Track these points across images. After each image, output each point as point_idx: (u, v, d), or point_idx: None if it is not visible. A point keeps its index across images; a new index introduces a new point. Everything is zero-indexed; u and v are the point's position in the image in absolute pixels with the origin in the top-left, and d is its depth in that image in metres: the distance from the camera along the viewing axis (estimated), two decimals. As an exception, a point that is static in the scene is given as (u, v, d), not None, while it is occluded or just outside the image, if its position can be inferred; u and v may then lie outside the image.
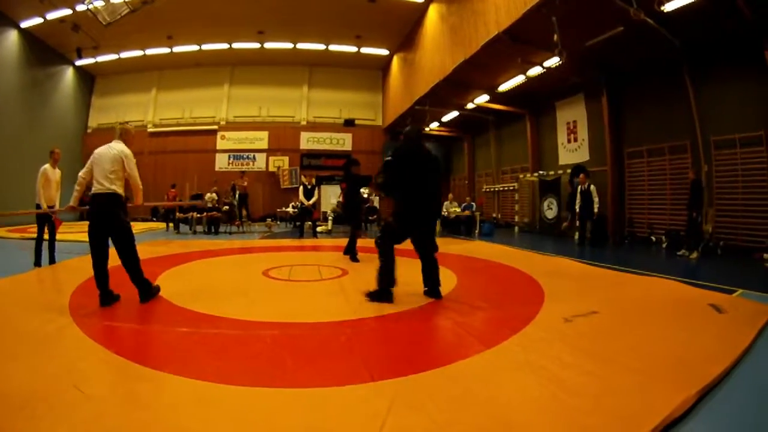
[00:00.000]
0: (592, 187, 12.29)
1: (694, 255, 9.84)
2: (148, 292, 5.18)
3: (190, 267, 8.05)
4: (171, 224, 17.15)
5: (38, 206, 7.73)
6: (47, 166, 7.92)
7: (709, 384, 2.72)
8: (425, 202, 5.33)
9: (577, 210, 12.63)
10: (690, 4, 8.96)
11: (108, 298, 4.96)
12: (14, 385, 2.72)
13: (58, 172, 8.14)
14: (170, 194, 20.58)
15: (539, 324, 4.18)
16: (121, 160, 5.13)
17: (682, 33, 10.73)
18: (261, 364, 3.26)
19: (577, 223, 13.12)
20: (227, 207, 16.91)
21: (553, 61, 12.57)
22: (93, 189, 5.08)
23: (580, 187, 12.53)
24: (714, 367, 2.94)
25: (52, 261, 8.06)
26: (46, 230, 7.98)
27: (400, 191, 5.38)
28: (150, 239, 13.34)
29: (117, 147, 5.21)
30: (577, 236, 13.99)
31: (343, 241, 9.58)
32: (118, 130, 5.47)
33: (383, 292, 5.21)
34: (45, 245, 8.01)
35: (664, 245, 11.73)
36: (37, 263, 7.75)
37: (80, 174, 5.21)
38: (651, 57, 12.53)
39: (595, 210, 12.17)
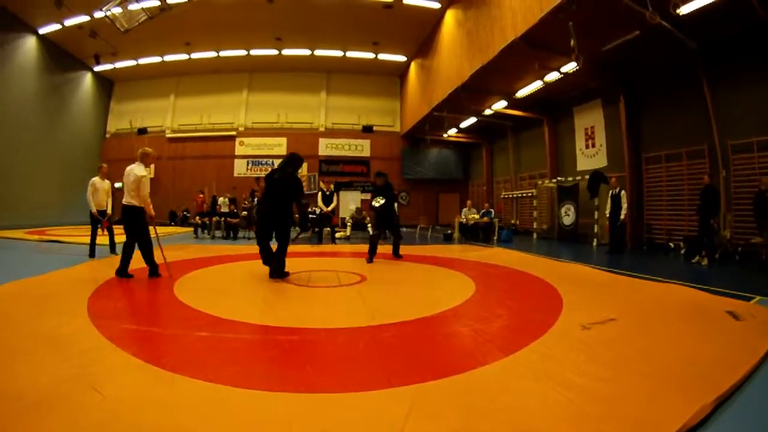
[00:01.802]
0: (622, 192, 12.16)
1: (705, 261, 9.74)
2: (155, 271, 7.00)
3: (209, 271, 8.11)
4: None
5: (102, 213, 9.79)
6: (96, 178, 9.74)
7: (726, 392, 2.70)
8: (267, 210, 7.42)
9: (607, 214, 12.49)
10: (705, 6, 8.94)
11: (126, 273, 6.76)
12: (29, 384, 2.75)
13: (107, 182, 9.98)
14: (198, 199, 20.80)
15: (557, 331, 4.16)
16: (137, 182, 6.84)
17: (698, 36, 10.72)
18: (279, 368, 3.27)
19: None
20: (245, 212, 17.04)
21: (571, 66, 12.58)
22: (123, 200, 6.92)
23: (610, 191, 12.43)
24: (731, 376, 2.92)
25: (113, 251, 10.02)
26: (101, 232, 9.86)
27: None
28: (168, 243, 13.44)
29: (136, 170, 6.91)
30: (595, 243, 13.92)
31: (362, 247, 10.27)
32: (139, 155, 7.12)
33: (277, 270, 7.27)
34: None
35: (682, 252, 11.62)
36: (92, 255, 9.51)
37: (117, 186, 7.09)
38: (668, 60, 12.51)
39: (622, 216, 11.99)
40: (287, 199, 7.47)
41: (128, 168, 6.97)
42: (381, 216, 9.99)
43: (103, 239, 9.83)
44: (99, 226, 9.66)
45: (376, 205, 9.89)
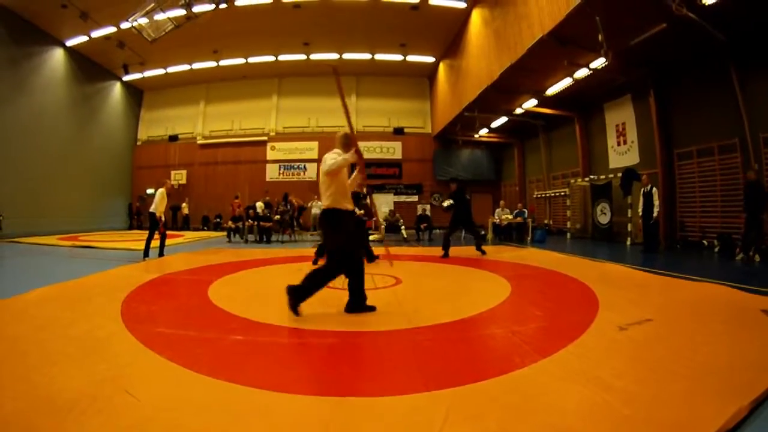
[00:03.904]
0: (654, 189, 11.98)
1: (739, 256, 9.66)
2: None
3: (244, 275, 8.21)
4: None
5: (159, 217, 10.61)
6: (163, 189, 10.74)
7: (762, 395, 2.67)
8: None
9: (640, 213, 12.30)
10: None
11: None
12: (63, 387, 2.80)
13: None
14: (234, 204, 21.15)
15: (594, 332, 4.14)
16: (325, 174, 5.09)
17: (726, 27, 10.53)
18: (316, 372, 3.30)
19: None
20: (279, 216, 17.26)
21: (600, 62, 12.49)
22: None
23: (642, 189, 12.25)
24: (766, 377, 2.89)
25: (161, 254, 10.98)
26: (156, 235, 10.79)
27: None
28: (202, 248, 13.79)
29: (328, 158, 5.14)
30: (629, 242, 13.75)
31: (396, 249, 10.78)
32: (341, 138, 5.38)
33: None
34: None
35: (716, 249, 11.41)
36: (146, 255, 10.49)
37: None
38: (696, 54, 12.33)
39: (654, 214, 11.78)
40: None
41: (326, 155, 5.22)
42: (456, 218, 11.40)
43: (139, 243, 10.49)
44: (156, 230, 10.68)
45: (445, 204, 11.84)
